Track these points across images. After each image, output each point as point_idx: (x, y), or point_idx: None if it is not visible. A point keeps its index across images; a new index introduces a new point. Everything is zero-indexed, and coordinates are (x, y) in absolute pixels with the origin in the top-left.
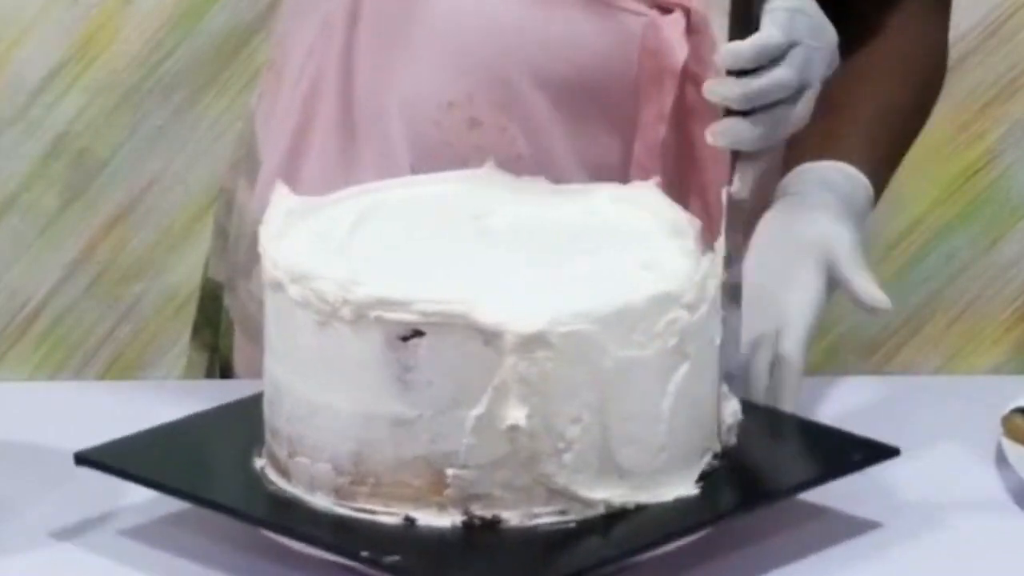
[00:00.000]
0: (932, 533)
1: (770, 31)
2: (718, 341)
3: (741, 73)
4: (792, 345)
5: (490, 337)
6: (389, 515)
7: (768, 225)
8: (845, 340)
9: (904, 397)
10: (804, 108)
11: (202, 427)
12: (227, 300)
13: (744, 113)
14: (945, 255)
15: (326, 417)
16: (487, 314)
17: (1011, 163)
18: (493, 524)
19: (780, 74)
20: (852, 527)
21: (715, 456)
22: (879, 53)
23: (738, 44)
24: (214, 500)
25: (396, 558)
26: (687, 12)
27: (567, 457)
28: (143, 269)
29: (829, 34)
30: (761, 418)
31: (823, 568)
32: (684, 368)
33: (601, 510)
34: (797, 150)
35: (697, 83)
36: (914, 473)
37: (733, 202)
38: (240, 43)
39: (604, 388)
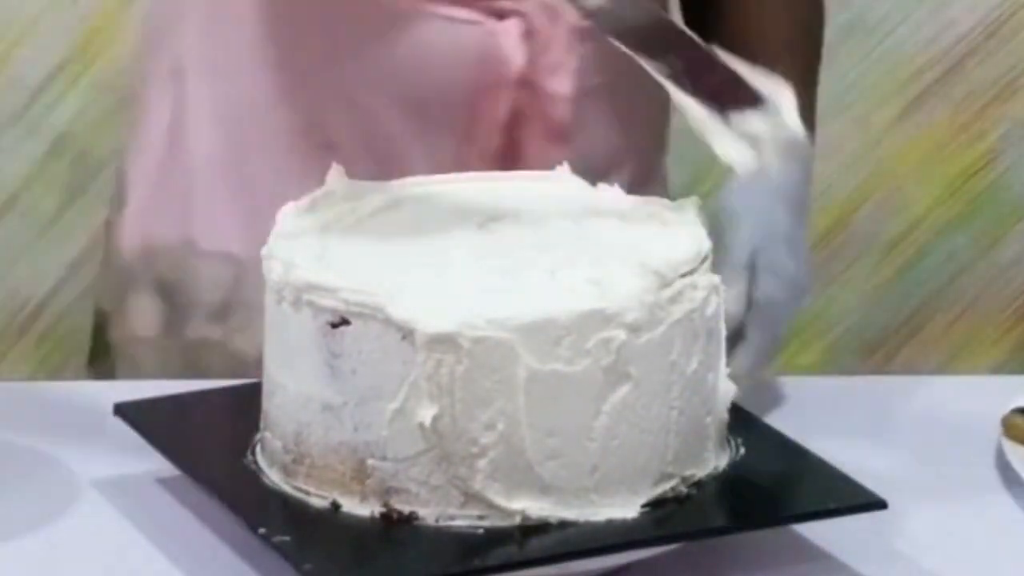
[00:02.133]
0: (932, 533)
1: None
2: (692, 367)
3: None
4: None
5: (406, 333)
6: (319, 497)
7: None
8: (845, 340)
9: (904, 397)
10: None
11: (239, 395)
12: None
13: None
14: (945, 255)
15: (280, 395)
16: (401, 310)
17: (1011, 163)
18: (409, 519)
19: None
20: (851, 527)
21: (690, 482)
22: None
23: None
24: (190, 465)
25: (286, 539)
26: (523, 16)
27: (482, 463)
28: None
29: None
30: (766, 446)
31: (823, 567)
32: (624, 390)
33: (517, 520)
34: None
35: (532, 88)
36: (914, 473)
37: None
38: None
39: (521, 398)
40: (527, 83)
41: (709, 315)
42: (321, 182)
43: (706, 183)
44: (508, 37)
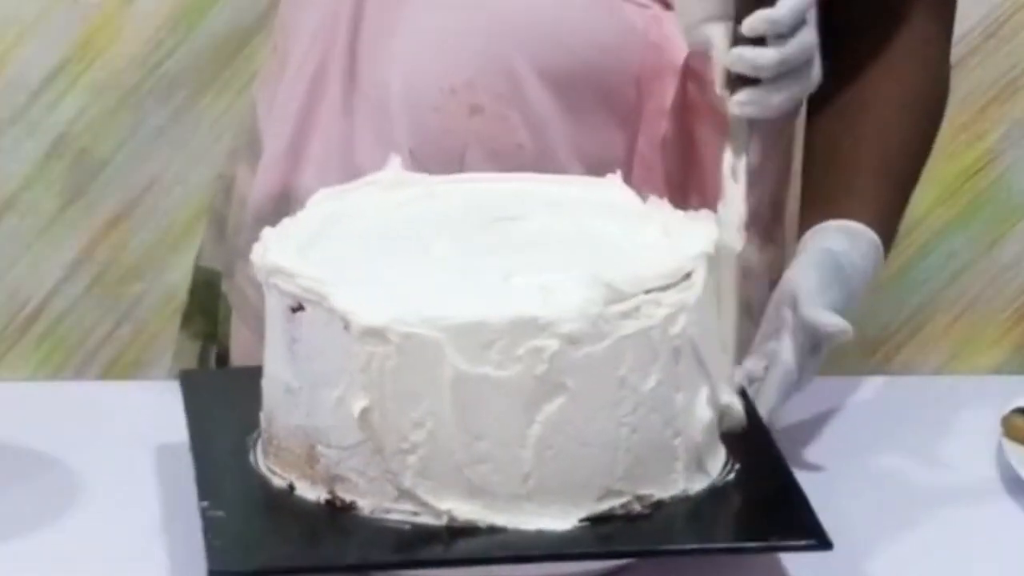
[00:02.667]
0: (932, 532)
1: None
2: (648, 385)
3: (756, 41)
4: (763, 411)
5: (345, 323)
6: (280, 478)
7: (771, 303)
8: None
9: (904, 397)
10: (818, 69)
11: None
12: (224, 287)
13: (756, 81)
14: (945, 255)
15: (264, 376)
16: (341, 300)
17: (1011, 163)
18: (350, 508)
19: (807, 36)
20: (850, 526)
21: (648, 502)
22: (883, 85)
23: (773, 12)
24: (199, 439)
25: (220, 513)
26: None
27: (411, 459)
28: (143, 269)
29: None
30: (759, 472)
31: (824, 566)
32: (560, 400)
33: (445, 520)
34: (809, 207)
35: (698, 80)
36: (914, 473)
37: (749, 172)
38: (240, 43)
39: (448, 398)
40: (693, 74)
41: (675, 334)
42: (463, 142)
43: None
44: (675, 25)
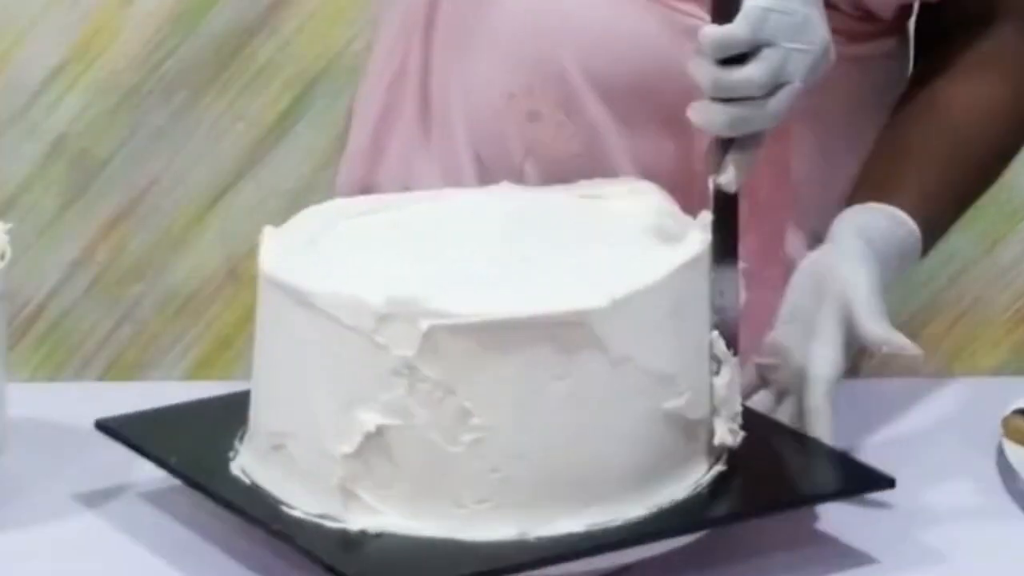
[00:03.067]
0: (932, 533)
1: (739, 26)
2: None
3: (726, 60)
4: (817, 400)
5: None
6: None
7: (798, 277)
8: None
9: (905, 398)
10: (778, 104)
11: None
12: None
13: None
14: (946, 256)
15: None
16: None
17: (1012, 164)
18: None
19: (749, 72)
20: (851, 526)
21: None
22: (960, 89)
23: (709, 31)
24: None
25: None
26: None
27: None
28: (143, 270)
29: (815, 35)
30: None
31: (823, 568)
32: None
33: None
34: (856, 190)
35: None
36: (914, 474)
37: (720, 193)
38: (240, 43)
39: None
40: None
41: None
42: (523, 148)
43: None
44: None
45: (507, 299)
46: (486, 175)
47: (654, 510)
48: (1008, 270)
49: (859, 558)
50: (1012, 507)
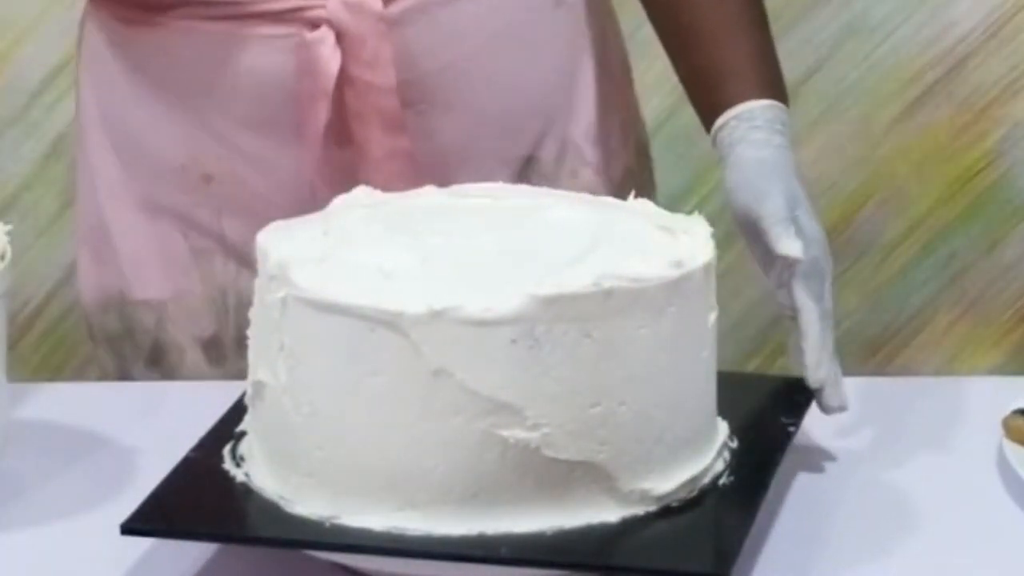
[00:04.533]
0: (933, 533)
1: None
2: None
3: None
4: (813, 374)
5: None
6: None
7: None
8: (846, 341)
9: (905, 398)
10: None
11: None
12: None
13: None
14: (946, 256)
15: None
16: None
17: (1012, 164)
18: None
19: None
20: (849, 527)
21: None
22: None
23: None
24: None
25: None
26: (329, 23)
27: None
28: None
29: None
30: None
31: (824, 568)
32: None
33: None
34: (698, 104)
35: (355, 88)
36: (915, 474)
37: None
38: None
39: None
40: (350, 81)
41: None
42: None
43: (704, 187)
44: (323, 46)
45: (381, 288)
46: None
47: (473, 533)
48: (1008, 270)
49: (858, 558)
50: (1012, 507)
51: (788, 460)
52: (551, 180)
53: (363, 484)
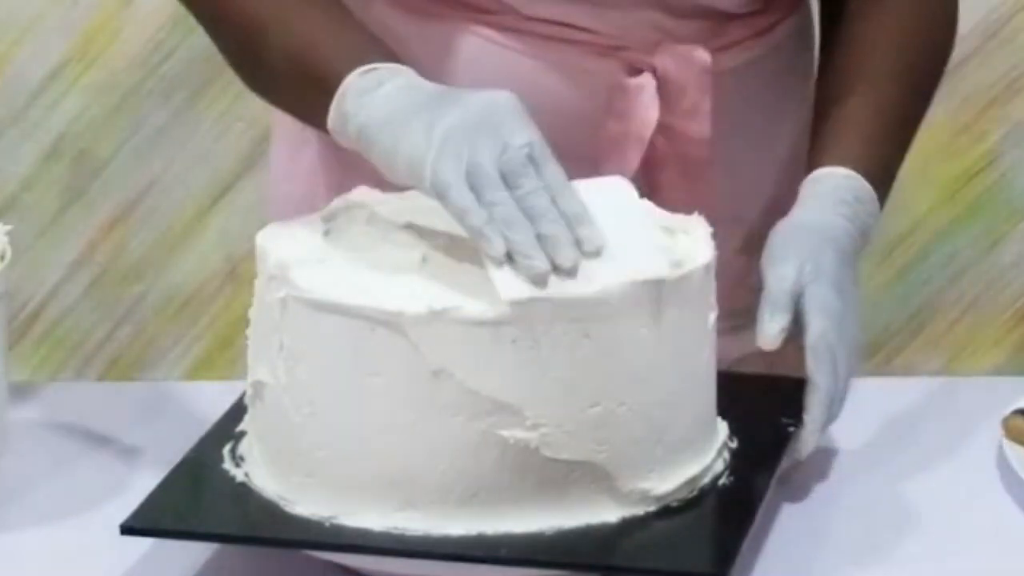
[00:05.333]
0: (932, 533)
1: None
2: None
3: None
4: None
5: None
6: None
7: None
8: None
9: (905, 398)
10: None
11: None
12: None
13: None
14: (946, 256)
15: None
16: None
17: (1012, 165)
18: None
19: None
20: (849, 527)
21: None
22: (868, 21)
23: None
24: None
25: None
26: (653, 71)
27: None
28: (143, 270)
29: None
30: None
31: (824, 568)
32: None
33: None
34: (810, 158)
35: (667, 132)
36: (914, 474)
37: None
38: None
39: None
40: (663, 129)
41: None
42: None
43: None
44: (642, 92)
45: (381, 288)
46: None
47: (472, 533)
48: (1008, 270)
49: (858, 558)
50: (1012, 507)
51: (788, 460)
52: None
53: (363, 484)
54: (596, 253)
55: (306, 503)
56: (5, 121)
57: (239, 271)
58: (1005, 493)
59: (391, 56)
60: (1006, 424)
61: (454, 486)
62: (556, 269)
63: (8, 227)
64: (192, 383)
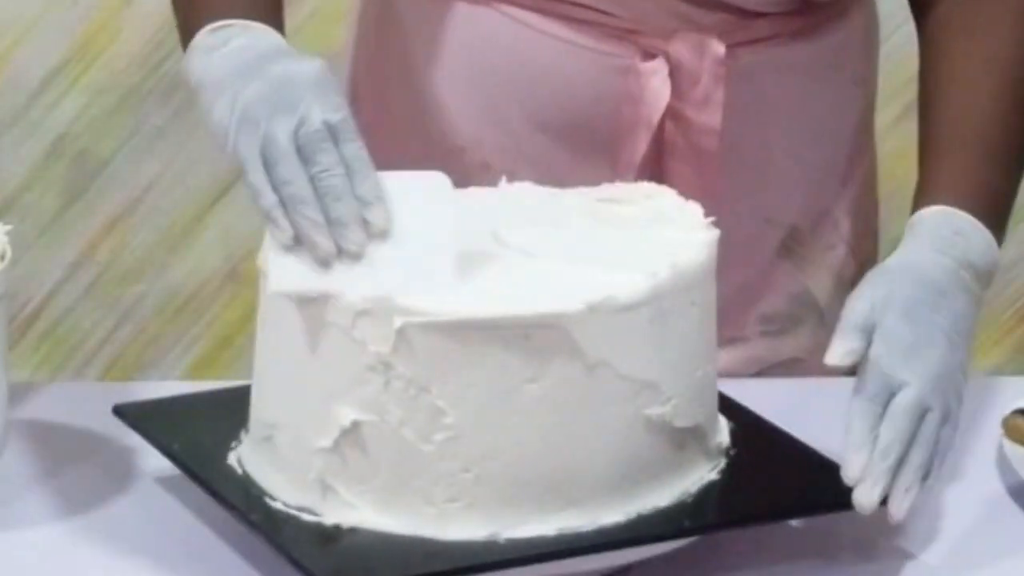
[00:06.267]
0: (933, 533)
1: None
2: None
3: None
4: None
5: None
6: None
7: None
8: None
9: None
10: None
11: None
12: None
13: None
14: None
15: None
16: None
17: None
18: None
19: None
20: (849, 526)
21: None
22: (966, 53)
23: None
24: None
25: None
26: (667, 57)
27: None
28: (143, 270)
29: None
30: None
31: (823, 569)
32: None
33: None
34: (924, 188)
35: (678, 120)
36: None
37: None
38: None
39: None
40: (673, 114)
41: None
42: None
43: None
44: (654, 77)
45: (486, 298)
46: None
47: (632, 516)
48: (1008, 270)
49: (858, 558)
50: (1012, 507)
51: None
52: (808, 250)
53: (519, 494)
54: (382, 236)
55: (455, 528)
56: (5, 121)
57: (239, 271)
58: (1005, 493)
59: (262, 7)
60: (1006, 424)
61: (612, 475)
62: (341, 253)
63: (8, 227)
64: (192, 383)
